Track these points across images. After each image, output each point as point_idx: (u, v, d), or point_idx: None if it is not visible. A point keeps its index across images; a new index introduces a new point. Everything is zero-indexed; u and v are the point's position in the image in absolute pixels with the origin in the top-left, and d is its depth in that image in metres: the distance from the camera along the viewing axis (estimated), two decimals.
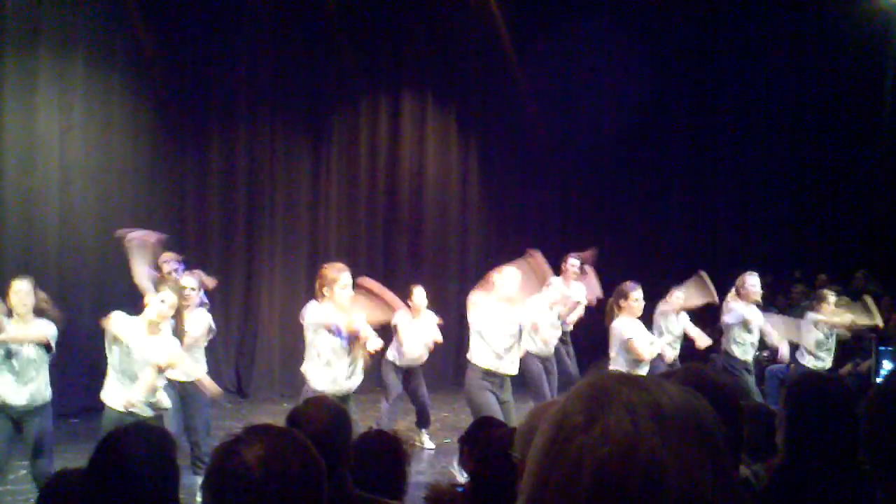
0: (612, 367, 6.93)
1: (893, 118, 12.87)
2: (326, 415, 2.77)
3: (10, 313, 5.70)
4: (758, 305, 8.06)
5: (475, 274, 12.22)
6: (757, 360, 9.60)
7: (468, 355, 6.68)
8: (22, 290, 5.71)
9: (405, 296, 8.27)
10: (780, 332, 8.15)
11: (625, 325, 6.86)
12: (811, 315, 8.25)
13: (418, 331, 8.01)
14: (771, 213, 13.74)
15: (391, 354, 8.13)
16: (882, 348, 8.59)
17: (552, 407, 0.93)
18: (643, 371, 6.93)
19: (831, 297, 8.34)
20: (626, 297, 6.94)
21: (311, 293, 11.60)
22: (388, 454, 3.07)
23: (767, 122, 13.66)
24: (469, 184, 12.73)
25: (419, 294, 8.21)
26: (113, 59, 9.87)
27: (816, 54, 13.25)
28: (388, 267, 11.81)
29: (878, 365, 8.47)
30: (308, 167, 11.58)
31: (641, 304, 7.03)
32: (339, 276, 5.81)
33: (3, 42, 9.11)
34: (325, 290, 5.79)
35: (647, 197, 13.43)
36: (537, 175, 13.02)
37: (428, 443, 8.34)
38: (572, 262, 8.96)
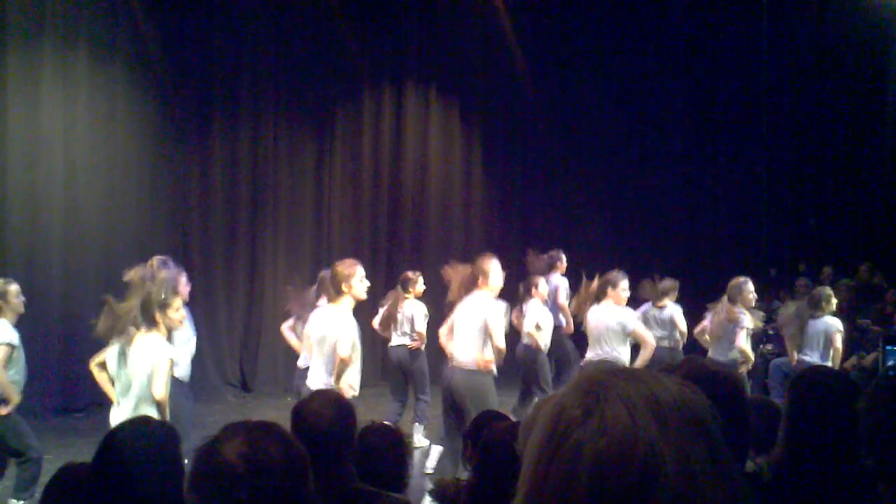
0: (614, 354, 6.99)
1: None
2: (331, 409, 2.77)
3: None
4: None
5: None
6: (761, 353, 9.60)
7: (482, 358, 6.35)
8: None
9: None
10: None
11: (624, 313, 7.06)
12: (835, 322, 7.94)
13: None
14: (775, 207, 13.71)
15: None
16: (889, 348, 8.47)
17: (551, 401, 0.93)
18: (644, 354, 7.03)
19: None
20: (615, 285, 7.04)
21: (315, 286, 11.63)
22: (390, 448, 3.07)
23: (771, 115, 13.63)
24: (472, 174, 12.73)
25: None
26: (116, 53, 9.87)
27: (819, 46, 13.21)
28: (392, 258, 11.83)
29: (885, 364, 8.37)
30: (311, 159, 11.58)
31: (628, 293, 7.19)
32: (354, 270, 5.82)
33: (7, 37, 9.11)
34: (343, 287, 5.75)
35: (649, 189, 13.41)
36: (540, 166, 13.02)
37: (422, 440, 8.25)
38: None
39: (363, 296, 5.86)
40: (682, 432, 0.85)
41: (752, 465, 3.36)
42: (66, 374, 9.18)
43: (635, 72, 13.12)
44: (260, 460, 1.62)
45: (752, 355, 7.71)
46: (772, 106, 13.59)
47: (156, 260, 7.14)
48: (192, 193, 10.63)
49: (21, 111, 9.19)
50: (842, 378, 2.40)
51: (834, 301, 8.01)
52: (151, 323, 5.15)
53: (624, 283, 7.11)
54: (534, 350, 8.25)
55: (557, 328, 8.77)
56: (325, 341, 5.72)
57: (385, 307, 8.30)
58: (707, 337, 7.92)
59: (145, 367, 5.05)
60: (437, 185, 12.38)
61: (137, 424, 2.52)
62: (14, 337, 5.93)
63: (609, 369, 0.92)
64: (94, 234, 9.62)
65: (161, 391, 5.03)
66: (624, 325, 6.98)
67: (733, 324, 7.52)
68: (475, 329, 6.24)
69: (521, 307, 8.39)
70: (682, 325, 8.42)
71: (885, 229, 12.57)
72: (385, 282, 11.24)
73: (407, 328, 8.19)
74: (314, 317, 6.07)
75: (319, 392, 2.94)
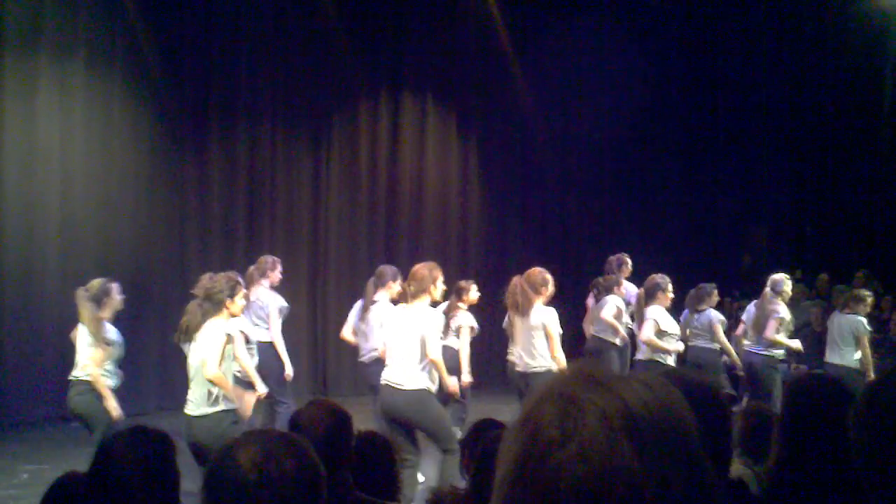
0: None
1: (893, 118, 12.87)
2: (328, 417, 2.78)
3: None
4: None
5: (476, 274, 12.29)
6: None
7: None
8: None
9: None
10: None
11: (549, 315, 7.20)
12: (862, 320, 8.16)
13: None
14: (771, 214, 13.74)
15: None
16: None
17: (523, 415, 0.91)
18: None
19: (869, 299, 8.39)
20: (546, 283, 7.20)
21: (313, 295, 11.63)
22: (382, 456, 3.07)
23: (768, 123, 13.67)
24: (469, 184, 12.73)
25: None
26: (113, 63, 9.87)
27: (817, 54, 13.26)
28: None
29: None
30: (308, 168, 11.59)
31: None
32: (440, 274, 6.00)
33: (3, 47, 9.12)
34: (432, 288, 5.90)
35: (647, 198, 13.43)
36: (537, 175, 13.03)
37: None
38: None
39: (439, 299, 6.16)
40: (662, 449, 0.85)
41: (748, 473, 3.36)
42: (61, 383, 9.14)
43: (633, 81, 13.14)
44: (272, 470, 1.62)
45: (789, 343, 8.03)
46: (770, 114, 13.63)
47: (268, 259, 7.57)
48: (190, 203, 10.63)
49: (17, 121, 9.19)
50: (836, 384, 2.41)
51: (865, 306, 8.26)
52: (217, 310, 5.25)
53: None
54: (607, 343, 8.39)
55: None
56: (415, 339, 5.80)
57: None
58: (749, 330, 8.15)
59: (203, 351, 5.15)
60: (433, 193, 12.38)
61: (133, 434, 2.53)
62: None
63: (578, 379, 0.90)
64: (90, 243, 9.61)
65: (212, 370, 5.04)
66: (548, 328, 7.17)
67: (768, 315, 7.77)
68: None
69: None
70: (719, 332, 8.40)
71: (881, 237, 12.60)
72: None
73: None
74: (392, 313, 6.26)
75: (315, 401, 2.94)
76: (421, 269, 5.99)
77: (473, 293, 8.43)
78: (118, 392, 6.20)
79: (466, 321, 7.97)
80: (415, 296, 5.87)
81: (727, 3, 13.50)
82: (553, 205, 13.10)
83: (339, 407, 2.89)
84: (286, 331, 8.56)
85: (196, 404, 5.12)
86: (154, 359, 9.79)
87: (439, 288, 5.96)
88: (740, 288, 11.64)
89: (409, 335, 5.77)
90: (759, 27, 13.40)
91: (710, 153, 13.76)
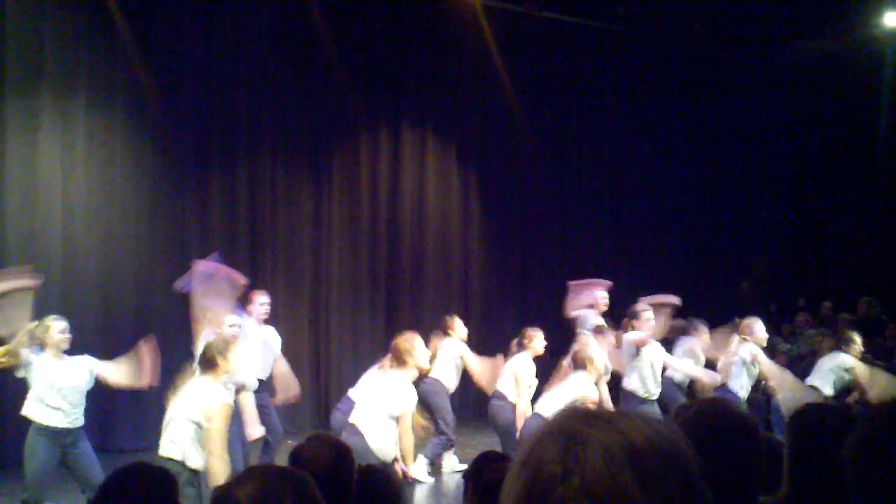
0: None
1: (891, 143, 12.92)
2: (329, 452, 2.76)
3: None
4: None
5: (478, 306, 12.27)
6: (764, 390, 9.56)
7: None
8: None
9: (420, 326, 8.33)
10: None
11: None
12: (846, 358, 8.16)
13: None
14: (774, 241, 13.74)
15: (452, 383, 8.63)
16: None
17: (525, 452, 0.91)
18: None
19: (859, 339, 8.34)
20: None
21: (315, 329, 11.56)
22: (384, 491, 3.04)
23: (769, 150, 13.72)
24: (470, 216, 12.75)
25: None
26: (114, 98, 9.94)
27: (814, 82, 13.34)
28: (391, 301, 11.80)
29: None
30: (309, 202, 11.59)
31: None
32: (416, 343, 6.53)
33: (5, 82, 9.20)
34: (406, 359, 6.43)
35: (648, 225, 13.45)
36: (538, 207, 13.05)
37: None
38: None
39: (427, 366, 6.76)
40: (664, 484, 0.85)
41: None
42: None
43: (632, 109, 13.22)
44: None
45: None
46: (770, 140, 13.68)
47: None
48: (191, 238, 10.63)
49: (19, 156, 9.24)
50: (841, 413, 2.39)
51: (856, 346, 8.28)
52: (209, 368, 5.29)
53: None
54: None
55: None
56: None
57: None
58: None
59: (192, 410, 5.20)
60: (434, 226, 12.39)
61: (134, 470, 2.51)
62: None
63: (581, 416, 0.91)
64: (92, 278, 9.62)
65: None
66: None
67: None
68: None
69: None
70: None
71: (884, 263, 12.58)
72: (385, 324, 11.20)
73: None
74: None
75: (316, 436, 2.92)
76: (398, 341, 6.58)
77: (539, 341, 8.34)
78: (118, 426, 6.19)
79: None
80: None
81: (724, 38, 13.60)
82: (554, 237, 13.10)
83: (340, 441, 2.87)
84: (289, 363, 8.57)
85: None
86: (154, 394, 9.74)
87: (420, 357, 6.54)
88: (741, 317, 11.59)
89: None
90: (758, 58, 13.49)
91: (711, 180, 13.80)
